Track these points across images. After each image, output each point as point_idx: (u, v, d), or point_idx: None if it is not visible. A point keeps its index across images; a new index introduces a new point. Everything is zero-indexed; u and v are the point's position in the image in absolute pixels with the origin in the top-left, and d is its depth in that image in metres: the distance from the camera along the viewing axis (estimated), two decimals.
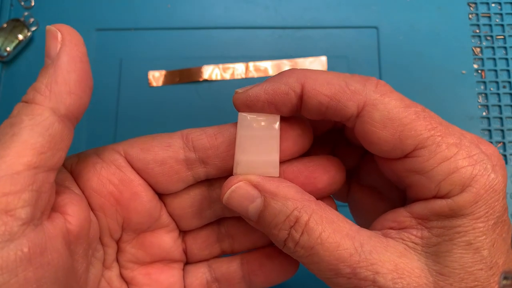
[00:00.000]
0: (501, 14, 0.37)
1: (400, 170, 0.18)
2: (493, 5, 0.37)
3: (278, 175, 0.19)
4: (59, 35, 0.17)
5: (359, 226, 0.18)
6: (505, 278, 0.17)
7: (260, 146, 0.19)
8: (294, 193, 0.18)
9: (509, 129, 0.34)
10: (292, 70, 0.19)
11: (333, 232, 0.17)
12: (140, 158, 0.20)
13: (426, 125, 0.17)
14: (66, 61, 0.16)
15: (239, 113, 0.19)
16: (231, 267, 0.22)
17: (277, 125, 0.19)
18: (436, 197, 0.17)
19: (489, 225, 0.17)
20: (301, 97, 0.18)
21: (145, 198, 0.20)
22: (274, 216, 0.18)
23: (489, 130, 0.34)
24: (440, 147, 0.17)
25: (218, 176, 0.20)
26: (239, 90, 0.19)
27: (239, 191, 0.19)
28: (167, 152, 0.20)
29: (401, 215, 0.18)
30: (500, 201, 0.17)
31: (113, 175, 0.19)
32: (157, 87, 0.35)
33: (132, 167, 0.20)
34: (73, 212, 0.17)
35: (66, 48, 0.16)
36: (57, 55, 0.16)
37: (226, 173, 0.20)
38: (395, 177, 0.19)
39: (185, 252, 0.22)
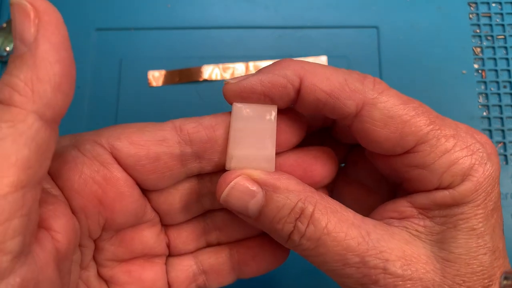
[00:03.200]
0: (501, 14, 0.37)
1: (399, 166, 0.18)
2: (493, 5, 0.37)
3: (273, 170, 0.18)
4: (32, 13, 0.13)
5: (362, 215, 0.18)
6: (506, 278, 0.17)
7: (255, 139, 0.18)
8: (295, 184, 0.18)
9: (509, 129, 0.34)
10: (288, 61, 0.18)
11: (338, 222, 0.17)
12: (131, 153, 0.17)
13: (425, 120, 0.17)
14: (47, 50, 0.13)
15: (234, 103, 0.18)
16: (219, 258, 0.21)
17: (273, 116, 0.18)
18: (438, 188, 0.18)
19: (488, 211, 0.17)
20: (298, 91, 0.18)
21: (131, 198, 0.18)
22: (277, 210, 0.17)
23: (490, 130, 0.34)
24: (440, 140, 0.17)
25: (213, 171, 0.19)
26: (231, 81, 0.18)
27: (239, 187, 0.17)
28: (161, 147, 0.18)
29: (402, 205, 0.18)
30: (495, 187, 0.18)
31: (97, 173, 0.17)
32: (157, 87, 0.35)
33: (119, 163, 0.18)
34: (60, 227, 0.15)
35: (46, 32, 0.13)
36: (34, 41, 0.13)
37: (222, 168, 0.19)
38: (391, 172, 0.19)
39: (168, 246, 0.21)
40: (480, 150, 0.18)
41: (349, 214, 0.17)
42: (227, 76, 0.35)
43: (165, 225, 0.21)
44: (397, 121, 0.17)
